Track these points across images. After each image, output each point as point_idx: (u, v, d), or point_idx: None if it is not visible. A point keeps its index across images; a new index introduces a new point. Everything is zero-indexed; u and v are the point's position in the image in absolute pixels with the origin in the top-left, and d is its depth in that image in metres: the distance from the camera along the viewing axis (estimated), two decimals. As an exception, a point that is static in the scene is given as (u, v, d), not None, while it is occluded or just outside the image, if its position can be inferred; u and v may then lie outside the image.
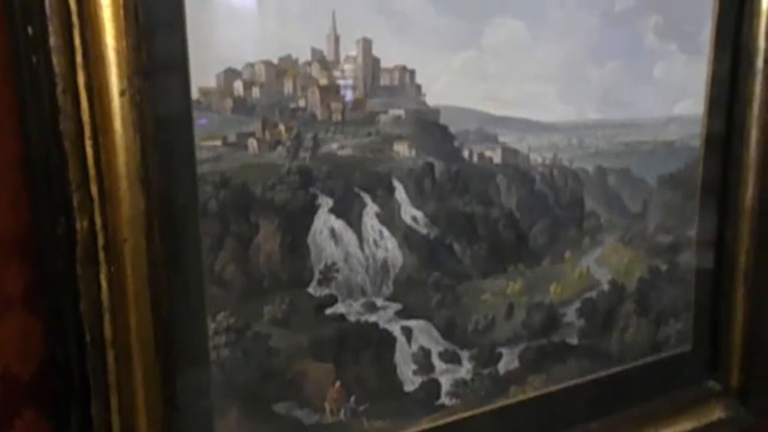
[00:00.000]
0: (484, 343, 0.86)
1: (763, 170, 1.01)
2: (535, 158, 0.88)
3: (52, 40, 0.52)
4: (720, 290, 1.05)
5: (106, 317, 0.57)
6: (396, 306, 0.80)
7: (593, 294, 0.95)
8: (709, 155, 1.01)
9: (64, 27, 0.53)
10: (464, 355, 0.85)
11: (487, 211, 0.85)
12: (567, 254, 0.92)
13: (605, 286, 0.96)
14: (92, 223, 0.56)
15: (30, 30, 0.53)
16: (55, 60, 0.52)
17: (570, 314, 0.93)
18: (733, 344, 1.06)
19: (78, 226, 0.55)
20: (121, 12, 0.56)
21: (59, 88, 0.53)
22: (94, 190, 0.55)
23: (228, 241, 0.69)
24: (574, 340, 0.94)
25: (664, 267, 1.01)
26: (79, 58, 0.54)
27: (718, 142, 1.01)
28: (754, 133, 0.99)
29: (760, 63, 0.98)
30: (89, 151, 0.55)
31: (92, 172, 0.55)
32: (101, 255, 0.56)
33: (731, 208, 1.02)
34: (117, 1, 0.55)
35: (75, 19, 0.53)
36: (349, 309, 0.77)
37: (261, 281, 0.71)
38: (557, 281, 0.91)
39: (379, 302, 0.79)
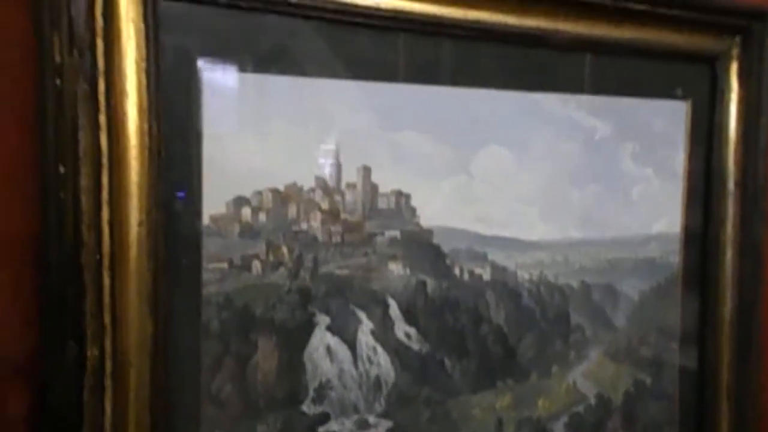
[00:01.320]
0: (474, 458, 0.87)
1: (739, 285, 1.06)
2: (523, 275, 0.92)
3: (83, 181, 0.56)
4: (704, 405, 1.07)
5: (108, 443, 0.58)
6: (387, 423, 0.81)
7: (580, 408, 0.97)
8: (688, 272, 1.05)
9: (95, 167, 0.57)
10: (454, 471, 0.86)
11: (476, 326, 0.88)
12: (554, 368, 0.94)
13: (592, 400, 0.98)
14: (102, 350, 0.58)
15: (62, 169, 0.57)
16: (83, 198, 0.56)
17: (558, 429, 0.94)
18: (720, 459, 1.07)
19: (89, 353, 0.57)
20: (146, 151, 0.61)
21: (84, 224, 0.57)
22: (107, 318, 0.58)
23: (227, 360, 0.71)
24: (562, 455, 0.95)
25: (648, 380, 1.03)
26: (105, 195, 0.58)
27: (696, 259, 1.06)
28: (729, 252, 1.05)
29: (731, 185, 1.05)
30: (106, 281, 0.58)
31: (107, 301, 0.58)
32: (108, 382, 0.58)
33: (711, 324, 1.06)
34: (143, 141, 0.61)
35: (105, 160, 0.58)
36: (342, 427, 0.78)
37: (257, 400, 0.72)
38: (545, 396, 0.93)
39: (371, 419, 0.80)
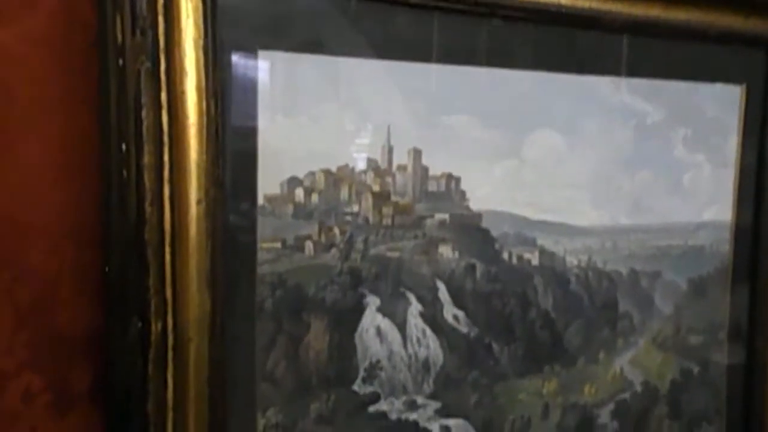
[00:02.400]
0: (520, 443, 0.87)
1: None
2: (571, 260, 0.91)
3: (146, 159, 0.57)
4: (752, 394, 1.05)
5: (170, 416, 0.60)
6: (435, 404, 0.81)
7: (627, 396, 0.96)
8: (738, 260, 1.03)
9: (157, 146, 0.58)
10: (500, 455, 0.86)
11: (524, 311, 0.87)
12: (601, 355, 0.93)
13: (638, 388, 0.97)
14: (165, 325, 0.59)
15: (124, 147, 0.58)
16: (146, 176, 0.57)
17: (604, 416, 0.94)
18: (767, 450, 1.05)
19: (153, 328, 0.58)
20: (204, 131, 0.61)
21: (147, 201, 0.57)
22: (168, 294, 0.59)
23: (280, 339, 0.71)
24: (607, 442, 0.94)
25: (696, 369, 1.02)
26: (166, 173, 0.59)
27: (747, 248, 1.03)
28: (781, 241, 1.02)
29: (784, 178, 1.02)
30: (168, 257, 0.59)
31: (169, 277, 0.59)
32: (170, 355, 0.59)
33: (760, 313, 1.03)
34: (201, 121, 0.61)
35: (166, 138, 0.58)
36: (391, 407, 0.78)
37: (309, 379, 0.73)
38: (591, 382, 0.93)
39: (420, 400, 0.80)
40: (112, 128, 0.59)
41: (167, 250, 0.59)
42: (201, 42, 0.61)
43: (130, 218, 0.58)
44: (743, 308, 1.04)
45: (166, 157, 0.59)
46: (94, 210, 0.61)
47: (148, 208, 0.58)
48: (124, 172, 0.59)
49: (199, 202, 0.62)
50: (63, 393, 0.63)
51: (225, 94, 0.64)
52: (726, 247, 1.02)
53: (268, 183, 0.69)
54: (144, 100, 0.58)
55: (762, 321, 1.03)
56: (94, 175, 0.61)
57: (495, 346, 0.85)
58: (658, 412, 0.99)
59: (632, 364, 0.96)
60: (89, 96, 0.61)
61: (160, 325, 0.59)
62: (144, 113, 0.57)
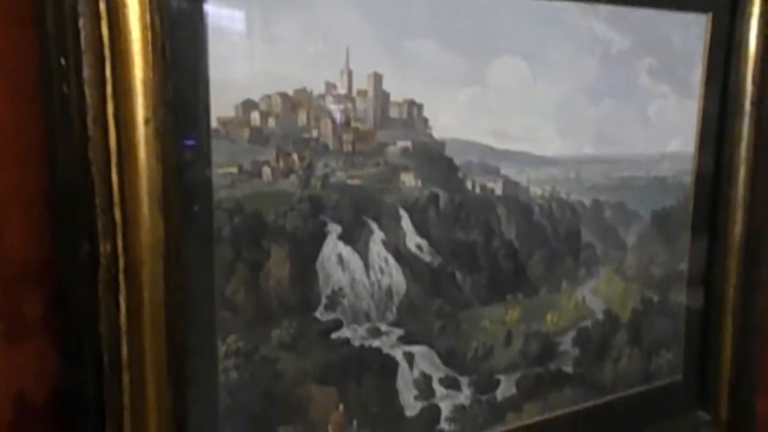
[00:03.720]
0: (483, 370, 0.88)
1: (750, 208, 1.05)
2: (535, 191, 0.91)
3: (86, 72, 0.54)
4: (709, 323, 1.08)
5: (124, 339, 0.59)
6: (399, 332, 0.82)
7: (588, 323, 0.97)
8: (700, 192, 1.04)
9: (98, 60, 0.55)
10: (464, 381, 0.87)
11: (487, 240, 0.88)
12: (564, 284, 0.95)
13: (600, 316, 0.99)
14: (114, 246, 0.57)
15: (63, 62, 0.55)
16: (87, 91, 0.55)
17: (566, 343, 0.96)
18: (722, 375, 1.09)
19: (102, 249, 0.56)
20: (149, 47, 0.58)
21: (90, 118, 0.55)
22: (117, 215, 0.57)
23: (239, 266, 0.70)
24: (569, 369, 0.96)
25: (656, 299, 1.04)
26: (109, 89, 0.56)
27: (709, 179, 1.05)
28: (742, 172, 1.03)
29: (747, 104, 1.03)
30: (114, 177, 0.57)
31: (117, 198, 0.57)
32: (121, 278, 0.58)
33: (720, 244, 1.06)
34: (146, 36, 0.58)
35: (107, 52, 0.55)
36: (354, 334, 0.78)
37: (270, 306, 0.73)
38: (554, 310, 0.94)
39: (383, 327, 0.81)
40: (50, 40, 0.56)
41: (114, 170, 0.57)
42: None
43: (74, 136, 0.56)
44: (703, 239, 1.06)
45: (108, 72, 0.56)
46: (38, 129, 0.58)
47: (91, 125, 0.55)
48: (65, 88, 0.56)
49: (147, 122, 0.59)
50: (14, 321, 0.62)
51: (172, 9, 0.61)
52: (688, 178, 1.04)
53: (221, 106, 0.67)
54: (81, 8, 0.54)
55: (722, 250, 1.06)
56: (35, 91, 0.58)
57: (458, 275, 0.86)
58: (618, 339, 1.01)
59: (594, 293, 0.98)
60: (25, 5, 0.57)
61: (109, 247, 0.57)
62: (81, 23, 0.54)
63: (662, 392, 1.07)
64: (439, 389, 0.85)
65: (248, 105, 0.70)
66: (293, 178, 0.73)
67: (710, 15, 1.00)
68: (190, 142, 0.64)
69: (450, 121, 0.82)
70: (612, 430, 1.01)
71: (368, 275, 0.79)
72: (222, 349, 0.70)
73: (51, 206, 0.59)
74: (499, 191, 0.88)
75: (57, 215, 0.59)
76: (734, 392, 1.09)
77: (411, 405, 0.84)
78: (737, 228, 1.05)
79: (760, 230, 1.06)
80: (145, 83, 0.59)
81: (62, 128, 0.57)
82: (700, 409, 1.11)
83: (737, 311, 1.06)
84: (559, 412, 0.96)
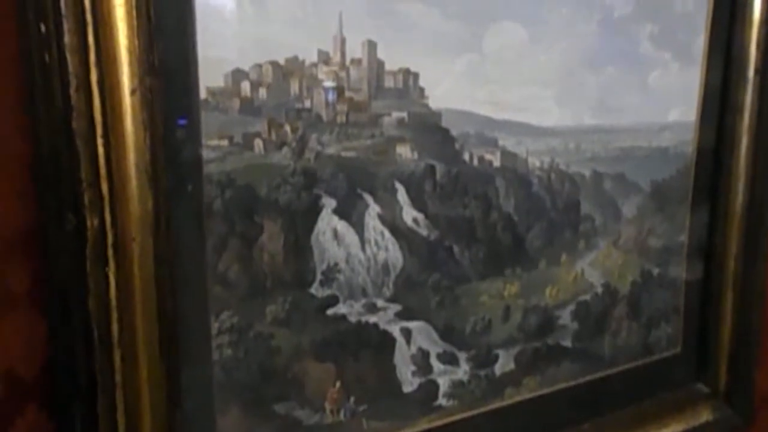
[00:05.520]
0: (481, 345, 0.87)
1: (752, 178, 1.03)
2: (533, 162, 0.89)
3: (67, 39, 0.52)
4: (709, 295, 1.07)
5: (114, 315, 0.57)
6: (396, 307, 0.80)
7: (587, 297, 0.96)
8: (701, 162, 1.03)
9: (79, 26, 0.53)
10: (462, 356, 0.86)
11: (485, 213, 0.86)
12: (563, 257, 0.93)
13: (599, 290, 0.97)
14: (102, 221, 0.56)
15: (43, 28, 0.53)
16: (69, 58, 0.52)
17: (564, 317, 0.95)
18: (721, 348, 1.08)
19: (89, 223, 0.55)
20: (134, 12, 0.56)
21: (72, 87, 0.53)
22: (104, 188, 0.55)
23: (232, 241, 0.69)
24: (568, 343, 0.95)
25: (655, 271, 1.03)
26: (92, 57, 0.54)
27: (710, 150, 1.03)
28: (744, 142, 1.01)
29: (751, 73, 1.01)
30: (100, 149, 0.55)
31: (103, 170, 0.55)
32: (110, 252, 0.56)
33: (721, 215, 1.04)
34: (129, 0, 0.56)
35: (89, 17, 0.53)
36: (350, 309, 0.77)
37: (264, 281, 0.71)
38: (553, 284, 0.93)
39: (380, 303, 0.79)
40: (29, 5, 0.53)
41: (99, 141, 0.55)
42: None
43: (56, 106, 0.54)
44: (704, 211, 1.05)
45: (90, 39, 0.54)
46: (17, 96, 0.56)
47: (73, 94, 0.53)
48: (46, 56, 0.53)
49: (133, 91, 0.57)
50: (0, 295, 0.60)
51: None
52: (689, 148, 1.02)
53: (210, 75, 0.65)
54: (60, -29, 0.52)
55: (723, 221, 1.04)
56: (15, 57, 0.56)
57: (456, 249, 0.84)
58: (618, 312, 1.00)
59: (593, 266, 0.97)
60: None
61: (96, 221, 0.55)
62: (61, -13, 0.52)
63: (661, 365, 1.06)
64: (437, 365, 0.84)
65: (238, 74, 0.67)
66: (286, 150, 0.71)
67: (713, -21, 0.97)
68: (178, 113, 0.62)
69: (446, 91, 0.80)
70: (611, 403, 1.01)
71: (364, 250, 0.78)
72: (215, 325, 0.68)
73: (35, 178, 0.57)
74: (497, 163, 0.86)
75: (42, 189, 0.57)
76: (733, 365, 1.09)
77: (409, 381, 0.83)
78: (739, 199, 1.03)
79: (762, 201, 1.04)
80: (130, 50, 0.56)
81: (44, 98, 0.54)
82: (699, 382, 1.10)
83: (737, 283, 1.05)
84: (557, 387, 0.95)
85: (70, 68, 0.53)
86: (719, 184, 1.04)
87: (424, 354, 0.83)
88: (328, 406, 0.77)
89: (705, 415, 1.08)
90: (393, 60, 0.76)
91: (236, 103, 0.68)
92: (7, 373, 0.61)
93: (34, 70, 0.54)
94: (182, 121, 0.62)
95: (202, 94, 0.65)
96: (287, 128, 0.71)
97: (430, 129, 0.80)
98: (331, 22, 0.71)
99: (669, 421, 1.05)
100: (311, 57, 0.71)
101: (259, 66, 0.68)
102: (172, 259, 0.61)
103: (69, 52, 0.53)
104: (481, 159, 0.85)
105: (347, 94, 0.74)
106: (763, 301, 1.09)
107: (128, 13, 0.56)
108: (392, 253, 0.80)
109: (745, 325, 1.08)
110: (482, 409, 0.88)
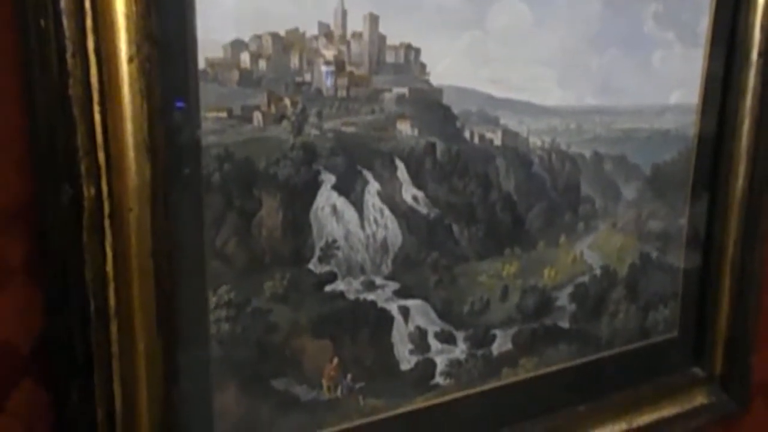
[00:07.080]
0: (479, 324, 0.87)
1: (753, 162, 1.03)
2: (534, 141, 0.88)
3: (63, 4, 0.51)
4: (707, 279, 1.07)
5: (111, 287, 0.57)
6: (394, 285, 0.80)
7: (586, 279, 0.96)
8: (702, 145, 1.02)
9: (75, -11, 0.52)
10: (459, 335, 0.86)
11: (485, 193, 0.85)
12: (562, 239, 0.93)
13: (597, 272, 0.97)
14: (99, 190, 0.55)
15: (38, -8, 0.52)
16: (65, 23, 0.51)
17: (562, 298, 0.94)
18: (718, 332, 1.09)
19: (85, 193, 0.54)
20: (131, -23, 0.55)
21: (69, 52, 0.52)
22: (101, 157, 0.54)
23: (230, 215, 0.68)
24: (565, 324, 0.95)
25: (654, 254, 1.03)
26: (89, 22, 0.53)
27: (712, 132, 1.02)
28: (746, 125, 1.01)
29: (754, 56, 1.00)
30: (97, 117, 0.54)
31: (100, 139, 0.54)
32: (107, 223, 0.55)
33: (721, 199, 1.04)
34: (127, -35, 0.54)
35: (85, -19, 0.52)
36: (349, 287, 0.77)
37: (262, 257, 0.71)
38: (551, 265, 0.92)
39: (378, 281, 0.79)
40: (23, -32, 0.52)
41: (96, 108, 0.54)
42: None
43: (52, 73, 0.53)
44: (705, 194, 1.05)
45: (87, 5, 0.52)
46: (13, 62, 0.55)
47: (70, 60, 0.52)
48: (42, 21, 0.52)
49: (130, 59, 0.56)
50: (-4, 268, 0.60)
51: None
52: (691, 131, 1.01)
53: (209, 46, 0.64)
54: (55, -67, 0.50)
55: (723, 205, 1.04)
56: (10, 23, 0.54)
57: (455, 228, 0.84)
58: (616, 295, 1.00)
59: (592, 248, 0.96)
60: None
61: (93, 191, 0.54)
62: (56, -50, 0.50)
63: (658, 348, 1.06)
64: (434, 343, 0.84)
65: (237, 45, 0.66)
66: (285, 124, 0.70)
67: (719, -41, 0.96)
68: (176, 83, 0.61)
69: (448, 68, 0.79)
70: (607, 385, 1.01)
71: (363, 227, 0.77)
72: (213, 299, 0.68)
73: (32, 147, 0.56)
74: (498, 141, 0.85)
75: (38, 157, 0.56)
76: (729, 350, 1.09)
77: (406, 359, 0.83)
78: (740, 182, 1.03)
79: (763, 185, 1.04)
80: (127, 16, 0.55)
81: (40, 64, 0.53)
82: (695, 366, 1.11)
83: (736, 267, 1.05)
84: (554, 368, 0.95)
85: (67, 33, 0.52)
86: (720, 167, 1.04)
87: (422, 332, 0.83)
88: (325, 382, 0.77)
89: (700, 399, 1.08)
90: (394, 35, 0.75)
91: (235, 75, 0.67)
92: (3, 345, 0.60)
93: (29, 36, 0.53)
94: (176, 82, 0.61)
95: (201, 64, 0.64)
96: (287, 101, 0.70)
97: (431, 106, 0.79)
98: (333, -6, 0.70)
99: (664, 404, 1.05)
100: (312, 29, 0.70)
101: (259, 37, 0.67)
102: (170, 231, 0.61)
103: (65, 17, 0.51)
104: (482, 137, 0.84)
105: (348, 68, 0.73)
106: (761, 287, 1.09)
107: (126, -22, 0.54)
108: (391, 230, 0.79)
109: (743, 310, 1.08)
110: (479, 389, 0.88)
